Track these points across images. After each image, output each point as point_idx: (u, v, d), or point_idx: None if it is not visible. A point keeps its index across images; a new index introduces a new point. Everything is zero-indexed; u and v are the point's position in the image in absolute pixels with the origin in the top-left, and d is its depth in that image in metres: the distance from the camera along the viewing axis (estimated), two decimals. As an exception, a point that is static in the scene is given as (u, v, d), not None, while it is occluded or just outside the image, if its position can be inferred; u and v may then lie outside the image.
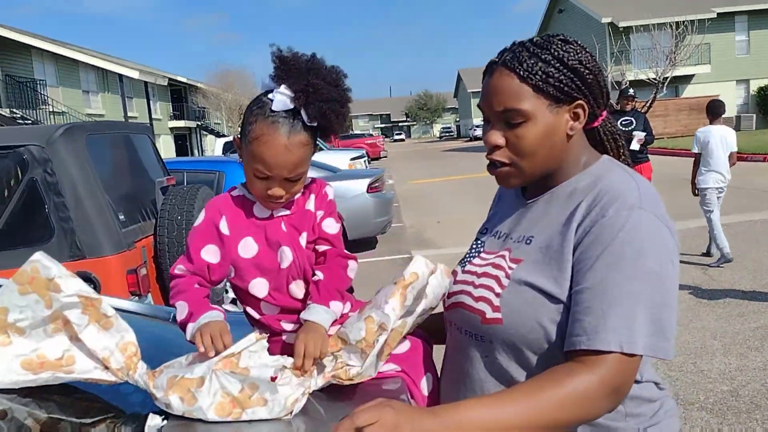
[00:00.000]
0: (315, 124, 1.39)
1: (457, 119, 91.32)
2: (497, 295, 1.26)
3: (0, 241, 3.99)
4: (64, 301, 1.19)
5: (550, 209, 1.30)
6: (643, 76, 28.38)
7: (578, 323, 1.14)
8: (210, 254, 1.43)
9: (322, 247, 1.51)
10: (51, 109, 22.58)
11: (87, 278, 3.96)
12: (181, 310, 1.37)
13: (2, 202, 4.08)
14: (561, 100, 1.24)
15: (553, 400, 1.08)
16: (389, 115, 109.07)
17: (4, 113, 19.42)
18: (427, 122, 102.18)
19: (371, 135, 45.11)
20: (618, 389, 1.12)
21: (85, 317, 1.21)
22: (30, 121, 19.29)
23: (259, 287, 1.46)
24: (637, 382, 1.21)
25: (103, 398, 1.28)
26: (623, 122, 8.02)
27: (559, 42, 1.26)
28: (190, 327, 1.33)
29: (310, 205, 1.51)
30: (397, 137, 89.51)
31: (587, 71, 1.25)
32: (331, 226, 1.52)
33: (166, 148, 32.43)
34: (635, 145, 7.72)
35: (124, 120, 18.87)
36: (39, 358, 1.21)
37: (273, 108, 1.36)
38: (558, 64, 1.23)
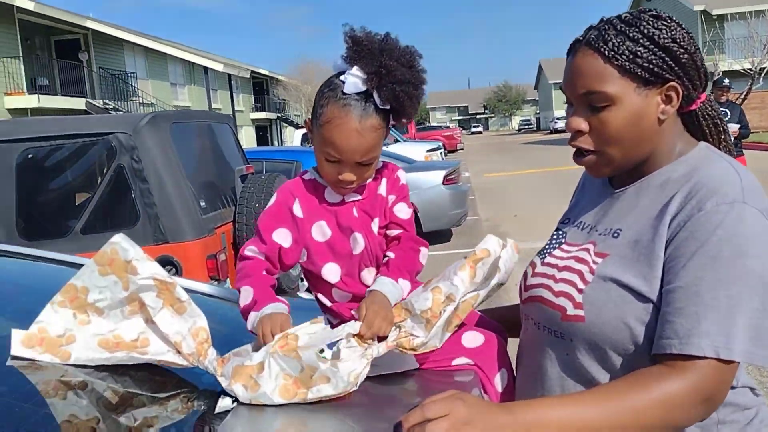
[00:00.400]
0: (388, 107, 1.35)
1: (537, 111, 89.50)
2: (580, 291, 1.19)
3: (89, 224, 4.19)
4: (140, 283, 1.20)
5: (640, 200, 1.21)
6: (738, 67, 26.93)
7: (669, 325, 1.05)
8: (282, 237, 1.41)
9: (394, 232, 1.48)
10: (141, 101, 23.60)
11: (168, 262, 4.09)
12: (245, 295, 1.34)
13: (92, 187, 4.29)
14: (650, 81, 1.15)
15: (639, 405, 1.01)
16: (467, 107, 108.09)
17: (97, 104, 20.44)
18: (506, 114, 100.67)
19: (448, 127, 44.78)
20: (711, 398, 1.03)
21: (160, 301, 1.22)
22: (121, 112, 20.21)
23: (332, 272, 1.44)
24: (731, 387, 1.12)
25: (177, 374, 1.29)
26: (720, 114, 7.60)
27: (650, 18, 1.17)
28: (252, 316, 1.31)
29: (382, 189, 1.47)
30: (474, 129, 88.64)
31: (681, 50, 1.15)
32: (403, 211, 1.48)
33: (248, 138, 33.32)
34: None
35: (209, 111, 19.51)
36: (115, 338, 1.23)
37: (345, 90, 1.32)
38: (647, 42, 1.14)
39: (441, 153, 16.61)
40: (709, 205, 1.08)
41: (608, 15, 1.26)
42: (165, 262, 4.11)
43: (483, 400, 1.20)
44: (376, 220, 1.45)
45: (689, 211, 1.10)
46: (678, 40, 1.16)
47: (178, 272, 4.10)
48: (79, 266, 1.35)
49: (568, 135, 1.29)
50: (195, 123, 4.95)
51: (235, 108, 23.59)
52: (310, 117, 1.41)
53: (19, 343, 1.20)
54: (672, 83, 1.16)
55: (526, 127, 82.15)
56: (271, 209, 1.44)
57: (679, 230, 1.10)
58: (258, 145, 34.62)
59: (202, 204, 4.39)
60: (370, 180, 1.47)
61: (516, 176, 18.48)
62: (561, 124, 59.77)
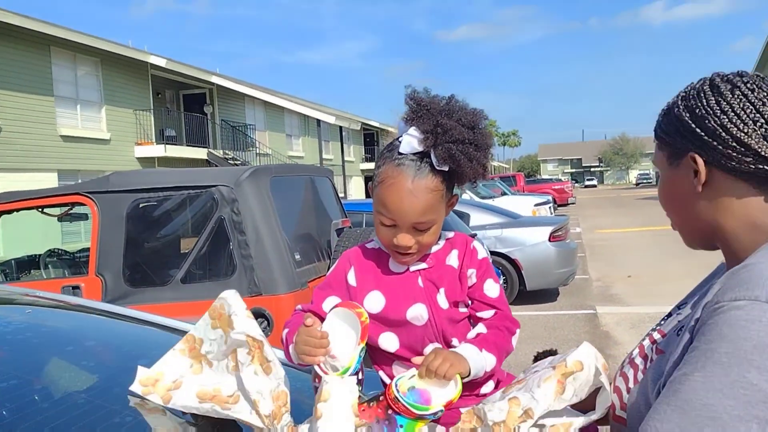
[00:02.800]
0: (445, 169, 1.27)
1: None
2: (628, 390, 1.05)
3: (189, 274, 4.28)
4: (234, 338, 1.25)
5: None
6: None
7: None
8: (332, 305, 1.34)
9: (485, 313, 1.37)
10: (258, 151, 24.77)
11: (261, 314, 4.09)
12: (285, 343, 1.33)
13: (194, 238, 4.40)
14: (673, 153, 1.09)
15: None
16: (580, 159, 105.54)
17: (218, 154, 21.63)
18: (623, 168, 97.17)
19: (560, 180, 43.67)
20: None
21: (249, 357, 1.25)
22: (240, 162, 21.25)
23: (389, 341, 1.36)
24: None
25: None
26: None
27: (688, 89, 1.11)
28: (291, 350, 1.28)
29: (453, 260, 1.38)
30: (588, 183, 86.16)
31: (694, 117, 1.04)
32: (492, 289, 1.38)
33: (357, 189, 34.04)
34: None
35: (320, 162, 20.11)
36: (214, 391, 1.28)
37: (400, 150, 1.27)
38: (666, 109, 1.12)
39: (550, 207, 16.13)
40: (726, 297, 0.90)
41: (728, 69, 1.11)
42: (257, 315, 4.12)
43: None
44: (442, 291, 1.35)
45: (711, 304, 0.92)
46: (692, 108, 1.03)
47: (269, 325, 4.09)
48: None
49: None
50: (294, 176, 5.01)
51: (346, 158, 24.20)
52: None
53: (138, 381, 1.33)
54: (691, 154, 1.04)
55: (645, 181, 78.69)
56: (329, 276, 1.41)
57: (695, 323, 0.95)
58: (367, 196, 35.25)
59: (297, 257, 4.39)
60: (437, 248, 1.38)
61: (631, 233, 17.57)
62: (682, 179, 56.71)
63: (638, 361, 1.09)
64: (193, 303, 4.21)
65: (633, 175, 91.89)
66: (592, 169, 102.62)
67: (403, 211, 1.27)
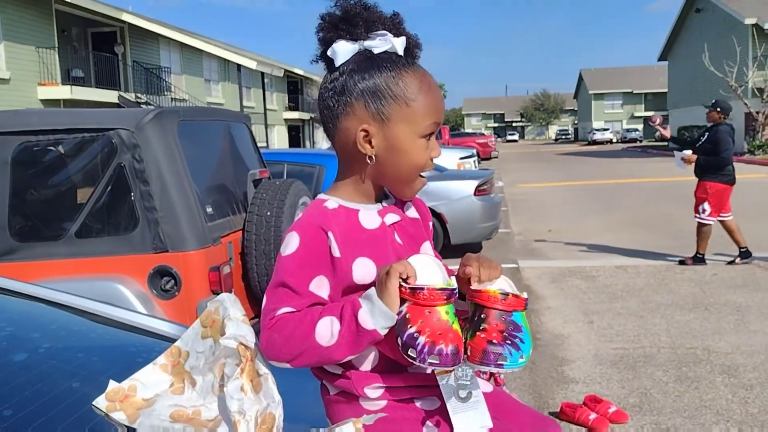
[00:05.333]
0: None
1: (576, 122, 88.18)
2: None
3: (85, 227, 3.85)
4: (224, 344, 1.10)
5: None
6: (789, 83, 25.93)
7: None
8: (322, 288, 1.12)
9: None
10: (174, 96, 23.55)
11: (168, 273, 3.74)
12: (326, 331, 1.05)
13: (90, 187, 3.94)
14: None
15: None
16: (503, 114, 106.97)
17: (129, 98, 20.41)
18: (543, 124, 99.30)
19: (483, 134, 44.08)
20: None
21: (237, 370, 1.08)
22: (152, 106, 20.16)
23: None
24: None
25: None
26: (701, 137, 7.33)
27: None
28: (364, 312, 1.05)
29: (413, 212, 1.30)
30: (510, 137, 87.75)
31: None
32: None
33: (280, 138, 33.18)
34: (680, 165, 7.27)
35: (240, 110, 19.32)
36: (193, 414, 1.14)
37: (399, 53, 1.18)
38: None
39: (475, 161, 16.10)
40: None
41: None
42: (163, 273, 3.76)
43: None
44: (427, 245, 1.26)
45: None
46: None
47: (177, 284, 3.75)
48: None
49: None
50: (206, 121, 4.58)
51: (268, 106, 23.41)
52: (373, 119, 1.16)
53: (105, 395, 1.16)
54: None
55: (564, 137, 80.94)
56: (298, 254, 1.11)
57: None
58: (290, 145, 34.48)
59: (209, 210, 4.02)
60: (394, 201, 1.27)
61: (551, 188, 17.87)
62: (599, 136, 58.71)
63: None
64: (89, 260, 3.80)
65: (553, 131, 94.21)
66: (513, 124, 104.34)
67: (442, 105, 1.22)
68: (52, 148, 4.02)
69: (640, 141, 57.13)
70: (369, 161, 1.16)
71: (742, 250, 7.20)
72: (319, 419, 1.17)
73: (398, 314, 1.04)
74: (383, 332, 1.04)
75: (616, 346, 4.78)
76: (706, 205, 7.06)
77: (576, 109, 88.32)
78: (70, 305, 1.53)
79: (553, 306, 5.96)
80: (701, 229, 7.18)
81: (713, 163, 7.02)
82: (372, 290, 1.06)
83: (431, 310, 1.04)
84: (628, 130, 62.66)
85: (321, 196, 1.21)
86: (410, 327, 1.03)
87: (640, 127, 64.88)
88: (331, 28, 1.15)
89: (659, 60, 43.99)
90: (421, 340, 1.01)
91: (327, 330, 1.05)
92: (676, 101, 40.59)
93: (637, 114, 74.04)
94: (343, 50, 1.14)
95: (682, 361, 4.42)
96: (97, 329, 1.47)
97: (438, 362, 1.01)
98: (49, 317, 1.46)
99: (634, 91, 74.21)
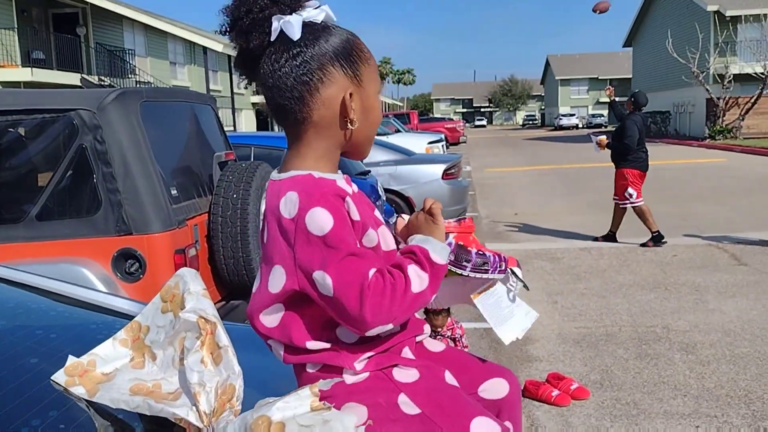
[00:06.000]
0: None
1: (543, 107, 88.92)
2: None
3: (46, 210, 3.78)
4: (184, 319, 1.11)
5: None
6: (749, 70, 26.48)
7: None
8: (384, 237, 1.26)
9: None
10: (138, 79, 23.09)
11: (132, 255, 3.70)
12: (416, 279, 1.13)
13: (50, 169, 3.86)
14: None
15: None
16: (471, 99, 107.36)
17: (92, 80, 19.95)
18: (511, 109, 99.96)
19: (451, 119, 44.21)
20: None
21: (197, 342, 1.10)
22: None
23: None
24: None
25: None
26: (618, 124, 7.78)
27: None
28: (433, 252, 1.17)
29: None
30: (478, 123, 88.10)
31: None
32: None
33: (247, 122, 32.82)
34: (596, 149, 7.75)
35: (206, 92, 19.05)
36: (153, 387, 1.13)
37: (335, 20, 1.21)
38: None
39: (443, 145, 16.18)
40: None
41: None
42: (127, 256, 3.72)
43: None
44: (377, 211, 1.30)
45: None
46: None
47: (141, 267, 3.71)
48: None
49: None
50: (171, 102, 4.51)
51: (235, 90, 23.11)
52: (351, 79, 1.19)
53: (63, 370, 1.16)
54: None
55: (531, 122, 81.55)
56: (338, 224, 1.11)
57: None
58: (258, 129, 34.13)
59: (174, 192, 3.97)
60: None
61: (518, 172, 18.05)
62: (565, 121, 59.28)
63: None
64: (51, 243, 3.73)
65: (520, 117, 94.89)
66: (482, 110, 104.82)
67: None
68: (11, 129, 3.92)
69: (605, 126, 57.91)
70: (350, 126, 1.17)
71: (654, 234, 7.57)
72: (277, 392, 1.18)
73: (449, 245, 1.26)
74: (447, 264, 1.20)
75: (579, 326, 4.88)
76: (631, 189, 7.53)
77: (543, 94, 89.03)
78: (28, 284, 1.51)
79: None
80: (638, 210, 7.58)
81: (620, 149, 7.54)
82: (421, 235, 1.20)
83: (473, 236, 1.32)
84: (593, 116, 63.39)
85: (298, 171, 1.17)
86: (473, 249, 1.30)
87: (605, 112, 65.72)
88: (270, 3, 1.12)
89: (624, 46, 44.54)
90: (489, 254, 1.30)
91: (416, 277, 1.11)
92: (640, 87, 41.18)
93: (602, 100, 74.92)
94: (297, 23, 1.13)
95: (642, 339, 4.53)
96: (57, 308, 1.46)
97: (506, 263, 1.33)
98: (6, 295, 1.44)
99: (600, 77, 75.04)
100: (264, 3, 1.12)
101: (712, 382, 3.78)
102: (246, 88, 1.27)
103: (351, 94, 1.16)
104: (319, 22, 1.16)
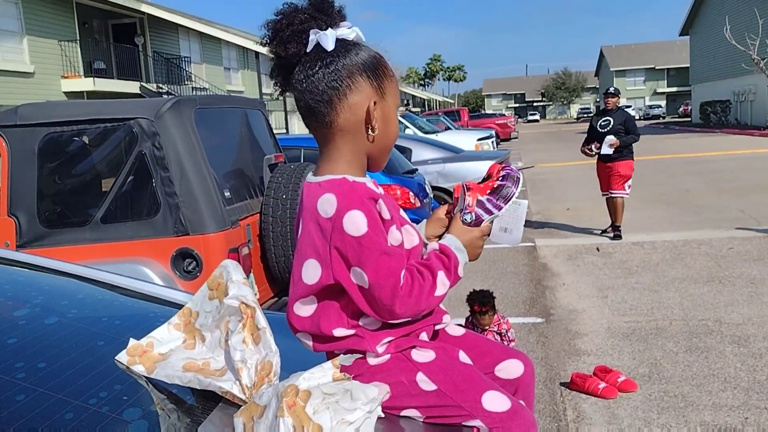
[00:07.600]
0: None
1: (598, 100, 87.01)
2: None
3: (110, 213, 4.02)
4: (227, 304, 1.24)
5: None
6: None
7: None
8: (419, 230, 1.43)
9: None
10: (194, 85, 23.78)
11: (189, 255, 3.90)
12: (441, 284, 1.28)
13: (113, 175, 4.11)
14: None
15: None
16: (524, 94, 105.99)
17: (151, 88, 20.67)
18: (565, 102, 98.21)
19: (503, 114, 43.78)
20: None
21: (239, 325, 1.22)
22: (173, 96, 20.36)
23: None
24: None
25: None
26: (602, 123, 7.73)
27: None
28: (462, 262, 1.34)
29: None
30: (531, 117, 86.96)
31: None
32: None
33: (301, 124, 33.32)
34: (607, 149, 7.55)
35: (259, 96, 19.47)
36: (202, 365, 1.26)
37: (364, 41, 1.33)
38: None
39: (493, 142, 16.10)
40: None
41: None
42: (185, 256, 3.92)
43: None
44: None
45: None
46: None
47: (198, 266, 3.91)
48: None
49: None
50: (222, 108, 4.71)
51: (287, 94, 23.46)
52: (376, 99, 1.31)
53: (125, 351, 1.30)
54: None
55: (585, 115, 79.94)
56: (373, 226, 1.22)
57: None
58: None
59: (227, 194, 4.16)
60: None
61: (571, 167, 17.81)
62: (621, 113, 57.69)
63: None
64: (115, 244, 3.97)
65: (574, 110, 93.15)
66: (535, 104, 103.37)
67: None
68: (76, 138, 4.19)
69: (663, 117, 56.34)
70: (371, 133, 1.28)
71: (617, 226, 7.74)
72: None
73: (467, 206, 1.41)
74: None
75: (629, 320, 4.86)
76: (630, 182, 7.72)
77: (598, 87, 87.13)
78: (95, 279, 1.68)
79: (568, 282, 6.04)
80: (621, 202, 7.69)
81: (631, 141, 7.61)
82: (460, 241, 1.36)
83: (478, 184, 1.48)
84: (650, 107, 61.77)
85: (333, 174, 1.26)
86: (484, 197, 1.42)
87: (663, 103, 63.93)
88: (309, 18, 1.26)
89: (681, 35, 43.21)
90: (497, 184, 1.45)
91: (441, 285, 1.28)
92: (699, 76, 39.93)
93: (659, 90, 72.94)
94: (332, 36, 1.25)
95: (693, 332, 4.49)
96: (120, 299, 1.62)
97: (519, 176, 1.46)
98: (76, 289, 1.61)
99: (657, 67, 73.03)
100: (304, 17, 1.25)
101: (764, 374, 3.73)
102: (280, 95, 1.38)
103: (375, 103, 1.27)
104: (351, 39, 1.27)
